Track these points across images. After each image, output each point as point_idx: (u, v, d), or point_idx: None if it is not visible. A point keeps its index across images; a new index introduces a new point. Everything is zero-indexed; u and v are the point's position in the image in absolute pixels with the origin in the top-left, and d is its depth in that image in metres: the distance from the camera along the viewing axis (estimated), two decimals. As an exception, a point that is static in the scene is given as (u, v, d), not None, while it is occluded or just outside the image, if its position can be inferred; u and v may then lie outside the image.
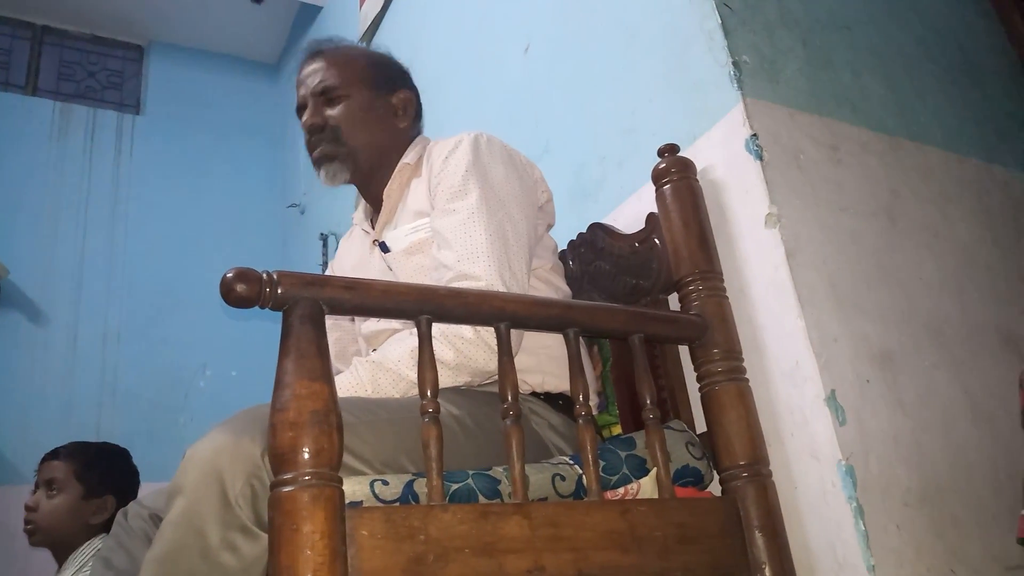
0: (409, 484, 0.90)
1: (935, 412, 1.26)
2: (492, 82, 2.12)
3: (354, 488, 0.87)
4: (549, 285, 1.36)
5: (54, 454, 2.11)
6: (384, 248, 1.39)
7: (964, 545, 1.16)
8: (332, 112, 1.40)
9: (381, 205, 1.43)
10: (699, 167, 1.32)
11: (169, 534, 0.85)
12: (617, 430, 1.36)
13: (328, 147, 1.40)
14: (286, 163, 3.94)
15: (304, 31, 3.88)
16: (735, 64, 1.36)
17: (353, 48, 1.50)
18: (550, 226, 1.46)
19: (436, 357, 0.96)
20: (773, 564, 1.04)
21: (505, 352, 0.98)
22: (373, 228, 1.47)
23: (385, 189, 1.41)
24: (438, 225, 1.27)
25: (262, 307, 0.83)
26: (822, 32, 1.54)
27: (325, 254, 3.20)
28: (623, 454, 1.09)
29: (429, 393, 0.90)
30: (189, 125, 3.92)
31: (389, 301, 0.93)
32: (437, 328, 1.06)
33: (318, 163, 1.42)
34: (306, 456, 0.78)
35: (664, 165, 1.30)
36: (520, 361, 1.18)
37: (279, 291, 0.84)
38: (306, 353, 0.83)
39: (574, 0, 1.83)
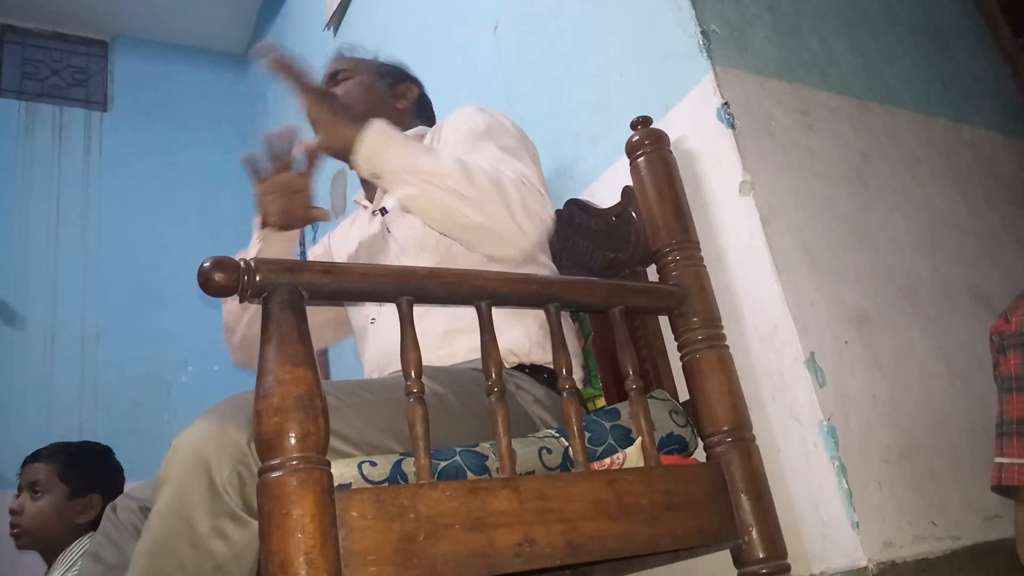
0: (397, 464, 0.91)
1: (911, 370, 1.28)
2: (462, 63, 2.11)
3: (342, 471, 0.87)
4: (537, 263, 1.37)
5: (35, 456, 2.10)
6: (384, 212, 1.42)
7: (943, 498, 1.18)
8: (337, 90, 1.49)
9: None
10: (672, 138, 1.32)
11: (158, 525, 0.85)
12: (601, 403, 1.37)
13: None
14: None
15: (270, 20, 3.84)
16: (704, 34, 1.36)
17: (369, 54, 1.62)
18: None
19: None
20: (759, 526, 1.06)
21: (487, 330, 0.98)
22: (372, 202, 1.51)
23: None
24: (464, 147, 1.29)
25: (241, 295, 0.83)
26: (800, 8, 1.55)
27: (303, 243, 3.18)
28: (608, 425, 1.10)
29: (413, 373, 0.90)
30: (158, 119, 3.87)
31: (368, 284, 0.93)
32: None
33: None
34: (292, 441, 0.78)
35: (637, 138, 1.30)
36: (511, 330, 1.20)
37: (257, 278, 0.84)
38: (287, 339, 0.83)
39: (540, -24, 1.82)
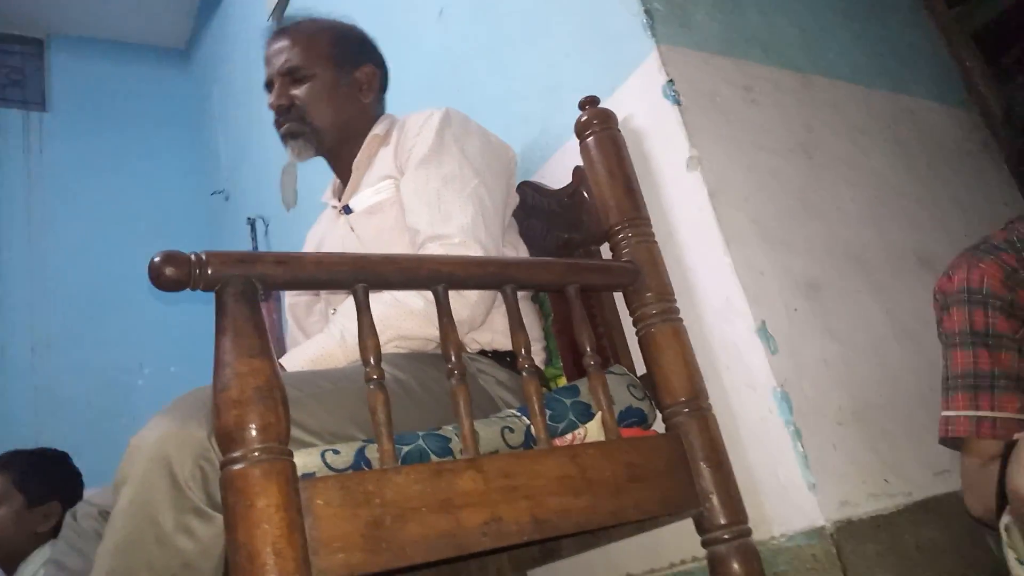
0: (360, 451, 0.91)
1: (862, 334, 1.31)
2: (408, 50, 2.10)
3: (305, 460, 0.87)
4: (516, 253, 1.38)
5: None
6: (348, 211, 1.41)
7: (896, 456, 1.22)
8: (297, 92, 1.45)
9: (350, 177, 1.47)
10: (620, 117, 1.33)
11: (121, 524, 0.84)
12: (563, 382, 1.39)
13: (294, 125, 1.45)
14: (206, 149, 3.84)
15: (212, 12, 3.77)
16: (647, 12, 1.38)
17: (318, 24, 1.52)
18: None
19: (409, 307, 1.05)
20: (719, 492, 1.09)
21: (444, 313, 0.99)
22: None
23: (355, 160, 1.46)
24: (410, 189, 1.30)
25: (193, 289, 0.83)
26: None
27: (254, 239, 3.15)
28: (568, 401, 1.12)
29: (372, 360, 0.90)
30: (100, 118, 3.78)
31: (323, 272, 0.93)
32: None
33: (284, 139, 1.47)
34: (253, 433, 0.78)
35: (586, 118, 1.31)
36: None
37: (209, 271, 0.83)
38: (243, 331, 0.82)
39: (483, -40, 1.82)
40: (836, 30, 1.72)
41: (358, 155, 1.46)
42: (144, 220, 3.61)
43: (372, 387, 0.89)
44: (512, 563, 1.42)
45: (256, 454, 0.77)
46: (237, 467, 0.77)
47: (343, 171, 1.50)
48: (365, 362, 0.90)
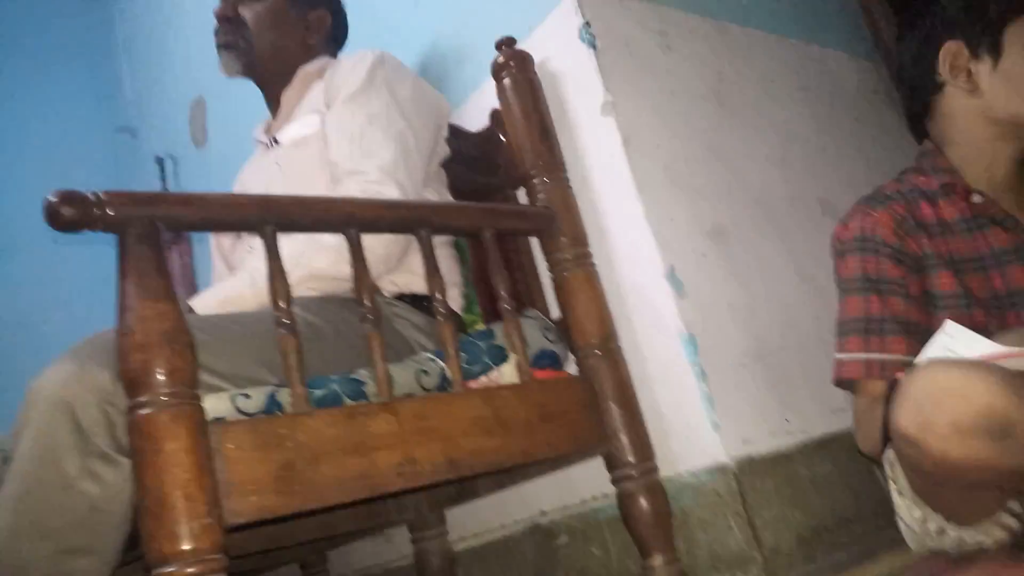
0: (271, 396, 0.90)
1: (765, 279, 1.36)
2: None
3: (215, 405, 0.86)
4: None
5: None
6: (275, 143, 1.40)
7: (795, 396, 1.29)
8: (244, 8, 1.45)
9: (279, 110, 1.47)
10: (537, 59, 1.33)
11: (23, 470, 0.82)
12: (481, 327, 1.40)
13: (231, 37, 1.46)
14: (111, 84, 3.64)
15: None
16: (564, -48, 1.36)
17: None
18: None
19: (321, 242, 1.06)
20: (628, 432, 1.13)
21: (358, 258, 0.98)
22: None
23: (284, 92, 1.46)
24: (334, 123, 1.29)
25: (92, 230, 0.80)
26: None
27: (164, 179, 3.03)
28: (483, 345, 1.13)
29: (282, 303, 0.89)
30: (-8, 50, 3.54)
31: (230, 213, 0.91)
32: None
33: (218, 49, 1.47)
34: (160, 377, 0.77)
35: (502, 59, 1.30)
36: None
37: (109, 212, 0.80)
38: (146, 273, 0.80)
39: None
40: (751, -22, 1.74)
41: (288, 87, 1.45)
42: (44, 159, 3.42)
43: (283, 331, 0.88)
44: (429, 502, 1.45)
45: (163, 399, 0.76)
46: (144, 412, 0.76)
47: (274, 102, 1.49)
48: (275, 305, 0.89)
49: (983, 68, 1.10)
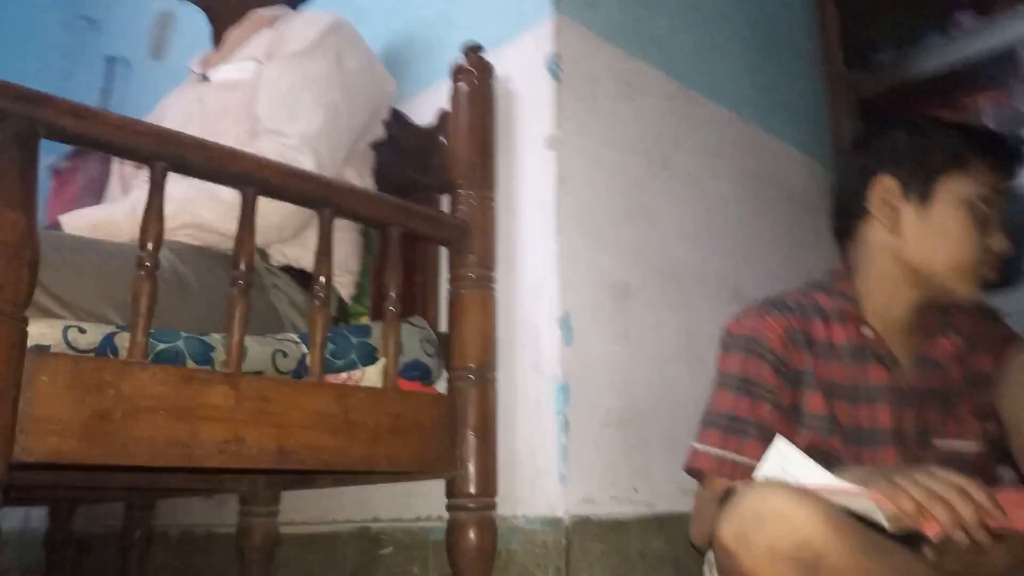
0: (109, 337, 0.85)
1: (655, 347, 1.36)
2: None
3: (43, 331, 0.81)
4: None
5: None
6: (205, 79, 1.34)
7: (649, 467, 1.29)
8: None
9: (221, 46, 1.41)
10: (499, 73, 1.31)
11: None
12: (365, 322, 1.37)
13: None
14: None
15: None
16: (556, -23, 1.35)
17: None
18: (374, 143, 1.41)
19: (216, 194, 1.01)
20: (477, 462, 1.11)
21: (247, 216, 0.94)
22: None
23: (230, 29, 1.39)
24: (269, 77, 1.23)
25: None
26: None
27: (109, 81, 2.89)
28: (355, 340, 1.10)
29: (150, 245, 0.84)
30: None
31: (121, 137, 0.85)
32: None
33: None
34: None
35: (464, 64, 1.28)
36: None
37: (-13, 102, 0.74)
38: (6, 176, 0.75)
39: None
40: (730, 54, 1.75)
41: (237, 27, 1.39)
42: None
43: (141, 273, 0.83)
44: (266, 481, 1.41)
45: (-14, 312, 0.71)
46: (-43, 319, 0.70)
47: (218, 38, 1.43)
48: (142, 245, 0.84)
49: (909, 211, 1.11)
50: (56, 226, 1.04)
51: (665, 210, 1.46)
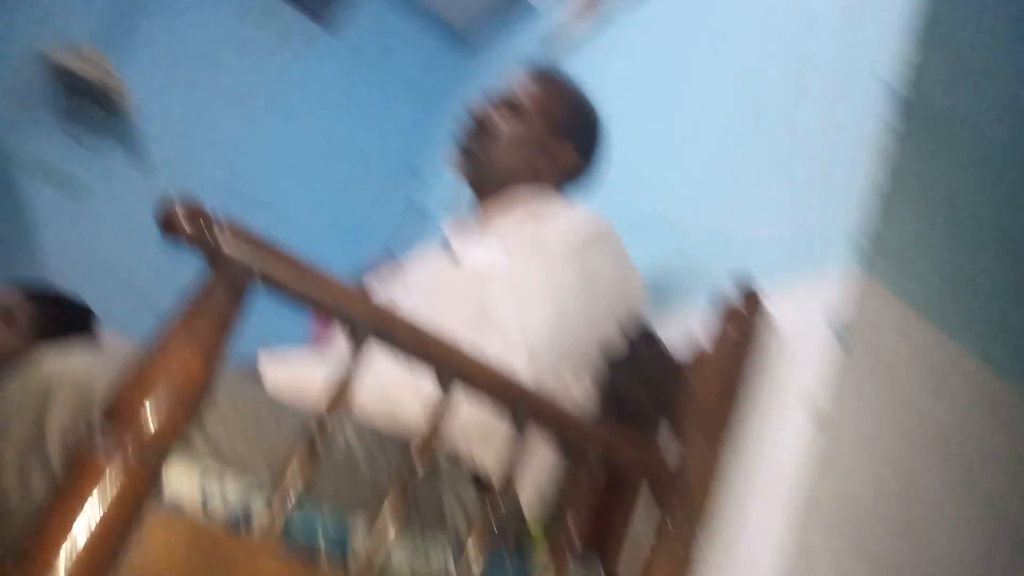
0: (246, 505, 0.79)
1: None
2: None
3: (181, 479, 0.77)
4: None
5: None
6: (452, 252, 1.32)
7: None
8: (503, 124, 1.39)
9: (480, 217, 1.40)
10: (774, 309, 1.17)
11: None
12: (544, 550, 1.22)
13: (474, 144, 1.40)
14: (425, 123, 3.52)
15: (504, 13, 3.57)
16: (877, 237, 1.17)
17: (566, 86, 1.48)
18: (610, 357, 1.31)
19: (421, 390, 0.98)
20: None
21: (448, 409, 0.87)
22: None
23: (492, 202, 1.39)
24: (514, 273, 1.17)
25: (194, 250, 0.75)
26: (975, 254, 1.32)
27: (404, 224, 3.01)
28: (512, 570, 0.96)
29: (333, 414, 0.79)
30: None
31: (334, 301, 0.82)
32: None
33: (456, 146, 1.43)
34: (139, 428, 0.69)
35: (737, 305, 1.17)
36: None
37: (220, 244, 0.74)
38: (203, 318, 0.73)
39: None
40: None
41: (499, 203, 1.38)
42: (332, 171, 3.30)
43: (307, 440, 0.77)
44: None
45: (128, 448, 0.68)
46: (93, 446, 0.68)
47: (478, 205, 1.42)
48: (325, 413, 0.79)
49: None
50: (259, 370, 1.04)
51: (953, 541, 1.16)
